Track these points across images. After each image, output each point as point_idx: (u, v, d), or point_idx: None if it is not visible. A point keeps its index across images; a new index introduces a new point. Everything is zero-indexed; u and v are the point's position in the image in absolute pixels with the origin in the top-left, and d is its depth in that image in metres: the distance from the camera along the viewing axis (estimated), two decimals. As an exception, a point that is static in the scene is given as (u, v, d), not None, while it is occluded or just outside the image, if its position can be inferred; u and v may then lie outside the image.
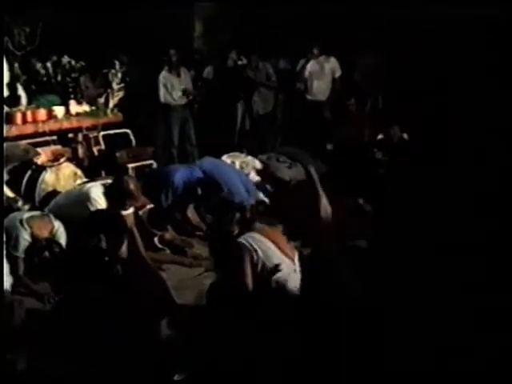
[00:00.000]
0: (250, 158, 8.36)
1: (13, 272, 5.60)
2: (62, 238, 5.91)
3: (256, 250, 4.16)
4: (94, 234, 5.12)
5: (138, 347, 3.38)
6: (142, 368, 3.29)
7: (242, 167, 8.00)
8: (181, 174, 7.17)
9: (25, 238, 5.72)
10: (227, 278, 4.20)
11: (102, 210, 5.87)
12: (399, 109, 9.92)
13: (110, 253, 3.76)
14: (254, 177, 7.89)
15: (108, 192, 6.14)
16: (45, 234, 5.83)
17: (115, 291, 3.50)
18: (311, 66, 10.73)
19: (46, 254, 5.75)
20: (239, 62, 10.84)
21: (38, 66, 8.72)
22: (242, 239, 4.17)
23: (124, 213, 5.91)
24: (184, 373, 3.47)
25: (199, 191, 7.10)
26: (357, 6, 10.85)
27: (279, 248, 4.26)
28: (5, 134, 7.23)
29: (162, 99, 9.95)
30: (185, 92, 9.98)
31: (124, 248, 3.95)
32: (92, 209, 6.06)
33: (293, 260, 4.32)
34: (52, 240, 5.81)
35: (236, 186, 7.27)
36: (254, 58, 10.68)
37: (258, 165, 8.14)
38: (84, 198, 6.17)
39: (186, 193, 7.11)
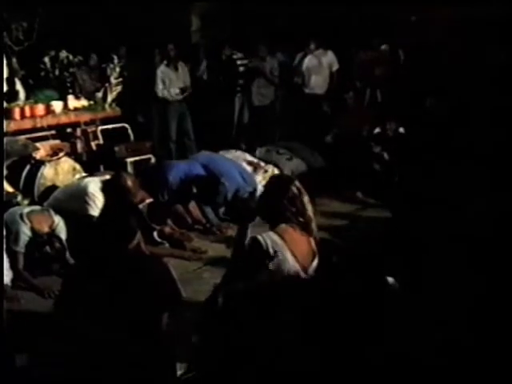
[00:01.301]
0: (239, 152, 8.39)
1: (13, 266, 5.63)
2: (62, 233, 5.94)
3: (269, 252, 3.84)
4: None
5: (141, 341, 3.38)
6: (144, 362, 3.30)
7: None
8: (177, 171, 7.19)
9: (25, 232, 5.74)
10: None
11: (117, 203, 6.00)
12: (396, 102, 9.96)
13: (120, 246, 3.77)
14: (246, 167, 7.91)
15: (106, 189, 6.16)
16: (45, 228, 5.85)
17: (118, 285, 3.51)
18: (309, 60, 10.74)
19: (47, 248, 5.78)
20: (234, 56, 10.84)
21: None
22: (259, 236, 3.85)
23: None
24: (187, 368, 3.48)
25: (195, 189, 7.13)
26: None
27: (294, 255, 3.92)
28: (3, 129, 7.25)
29: (160, 94, 9.95)
30: (183, 91, 9.99)
31: (135, 241, 3.96)
32: (90, 203, 6.10)
33: (306, 270, 3.96)
34: (52, 234, 5.83)
35: (232, 175, 7.35)
36: (262, 48, 10.69)
37: (249, 157, 8.17)
38: (82, 192, 6.21)
39: (183, 190, 7.13)
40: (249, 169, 7.88)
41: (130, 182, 6.10)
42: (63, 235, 5.94)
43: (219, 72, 10.87)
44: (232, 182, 7.30)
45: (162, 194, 7.04)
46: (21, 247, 5.71)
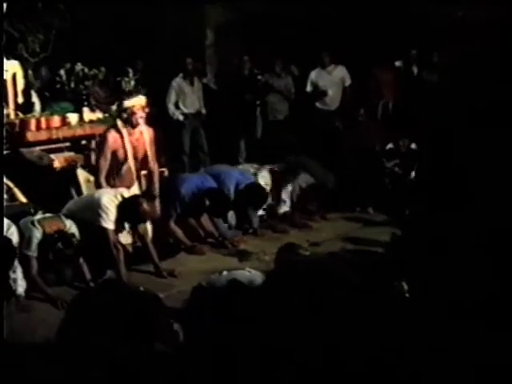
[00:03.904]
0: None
1: (27, 273, 5.68)
2: (75, 234, 6.03)
3: None
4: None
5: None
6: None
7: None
8: (189, 184, 7.25)
9: (37, 236, 5.81)
10: None
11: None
12: (409, 117, 9.97)
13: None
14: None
15: (121, 209, 6.26)
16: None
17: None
18: (321, 75, 10.79)
19: (60, 245, 5.82)
20: (255, 71, 10.93)
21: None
22: None
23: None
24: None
25: (208, 201, 7.18)
26: (368, 14, 10.90)
27: None
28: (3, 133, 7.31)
29: (170, 104, 10.03)
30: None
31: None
32: (103, 215, 6.17)
33: None
34: (64, 232, 5.89)
35: (229, 173, 7.69)
36: (278, 63, 10.76)
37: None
38: (95, 204, 6.26)
39: (196, 202, 7.18)
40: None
41: (146, 207, 6.25)
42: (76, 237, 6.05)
43: (234, 85, 10.92)
44: (231, 178, 7.55)
45: (174, 206, 7.11)
46: (33, 251, 5.77)
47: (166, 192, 7.14)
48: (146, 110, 6.81)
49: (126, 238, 6.61)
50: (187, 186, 7.22)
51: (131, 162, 6.75)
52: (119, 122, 6.67)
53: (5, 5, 7.34)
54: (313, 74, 10.85)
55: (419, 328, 2.65)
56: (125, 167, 6.74)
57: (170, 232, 7.17)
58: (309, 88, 10.87)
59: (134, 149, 6.78)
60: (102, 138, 6.81)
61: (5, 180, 6.50)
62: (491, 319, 2.89)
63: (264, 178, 8.00)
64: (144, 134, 6.85)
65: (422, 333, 2.63)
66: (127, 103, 6.72)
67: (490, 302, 3.14)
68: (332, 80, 10.77)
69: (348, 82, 10.81)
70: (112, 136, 6.64)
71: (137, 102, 6.74)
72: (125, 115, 6.66)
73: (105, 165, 6.65)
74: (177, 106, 10.11)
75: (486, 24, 9.36)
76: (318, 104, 10.89)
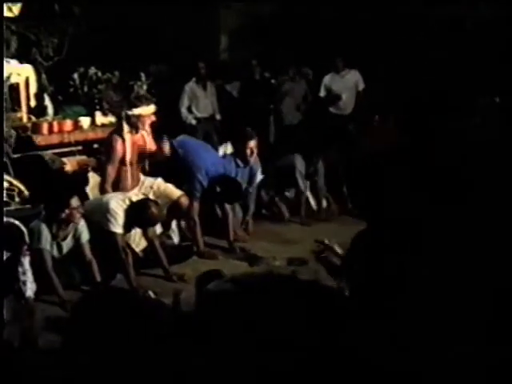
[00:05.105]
0: None
1: (42, 269, 5.72)
2: (84, 232, 6.10)
3: None
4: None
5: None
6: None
7: None
8: (208, 169, 7.20)
9: (45, 228, 5.88)
10: None
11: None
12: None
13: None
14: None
15: (130, 212, 6.27)
16: None
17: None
18: (335, 79, 10.77)
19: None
20: (266, 75, 10.94)
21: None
22: None
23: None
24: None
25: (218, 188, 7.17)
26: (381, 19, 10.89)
27: None
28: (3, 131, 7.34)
29: (183, 108, 10.08)
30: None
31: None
32: (111, 219, 6.19)
33: None
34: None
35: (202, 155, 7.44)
36: (292, 67, 10.77)
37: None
38: (104, 207, 6.29)
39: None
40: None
41: (155, 210, 6.25)
42: (85, 235, 6.11)
43: (249, 90, 10.94)
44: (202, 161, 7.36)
45: (200, 184, 7.10)
46: (43, 244, 5.83)
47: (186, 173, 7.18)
48: (153, 118, 6.82)
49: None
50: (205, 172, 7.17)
51: (134, 165, 6.78)
52: (125, 128, 6.67)
53: (17, 8, 7.41)
54: (326, 79, 10.82)
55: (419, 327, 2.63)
56: (128, 171, 6.75)
57: (190, 218, 7.12)
58: (322, 93, 10.84)
59: (137, 151, 6.81)
60: (109, 146, 6.78)
61: (15, 182, 6.56)
62: (492, 318, 2.86)
63: None
64: (144, 135, 6.88)
65: (421, 332, 2.61)
66: (139, 110, 6.71)
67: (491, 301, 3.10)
68: (345, 84, 10.74)
69: (361, 86, 10.78)
70: (119, 143, 6.63)
71: (149, 111, 6.76)
72: (134, 120, 6.67)
73: (112, 172, 6.67)
74: (190, 111, 10.15)
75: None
76: (331, 108, 10.86)
